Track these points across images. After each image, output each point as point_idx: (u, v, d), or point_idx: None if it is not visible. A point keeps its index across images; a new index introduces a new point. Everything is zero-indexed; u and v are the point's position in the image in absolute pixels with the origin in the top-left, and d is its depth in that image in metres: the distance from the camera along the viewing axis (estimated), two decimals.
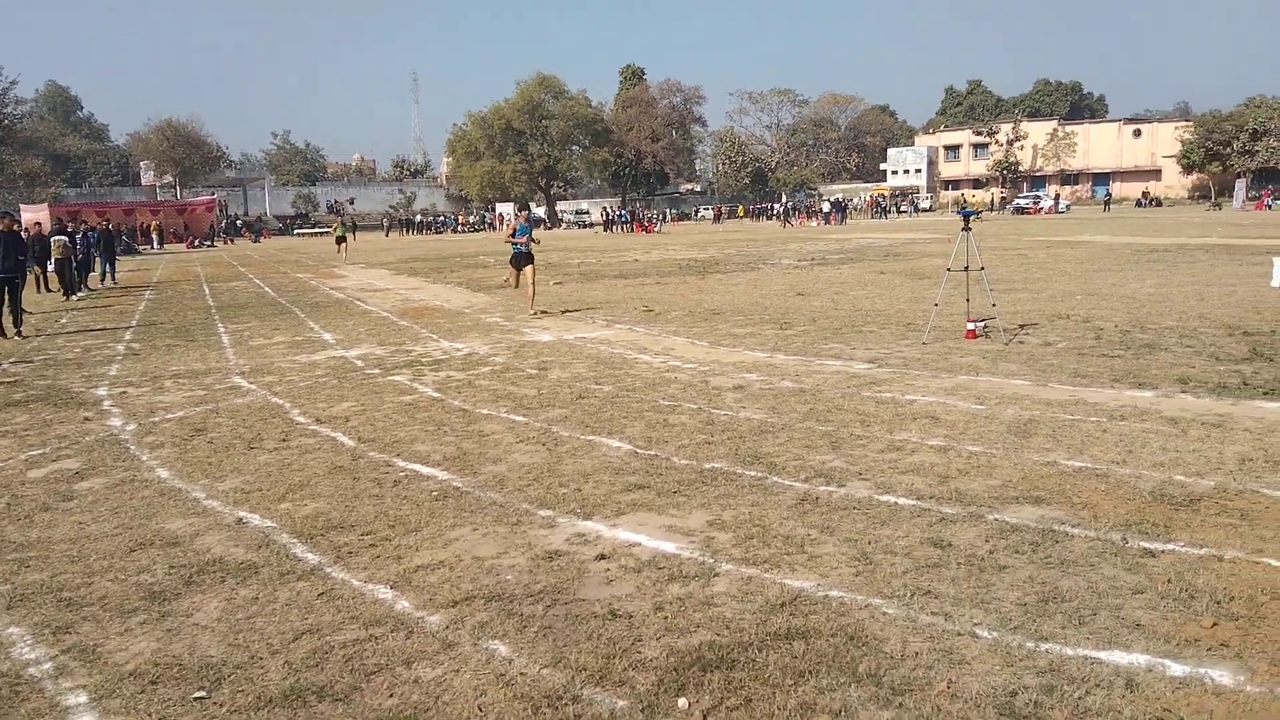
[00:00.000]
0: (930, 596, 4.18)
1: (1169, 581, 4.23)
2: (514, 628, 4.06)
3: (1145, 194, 76.63)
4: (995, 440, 6.67)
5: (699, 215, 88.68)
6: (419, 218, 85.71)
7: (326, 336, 13.84)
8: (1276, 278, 8.53)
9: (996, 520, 5.07)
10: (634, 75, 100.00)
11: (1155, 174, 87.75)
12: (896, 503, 5.42)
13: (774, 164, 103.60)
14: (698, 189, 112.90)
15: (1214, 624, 3.82)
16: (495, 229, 79.27)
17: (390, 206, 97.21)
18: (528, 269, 15.17)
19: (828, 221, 65.93)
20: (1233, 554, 4.51)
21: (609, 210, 72.76)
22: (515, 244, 15.10)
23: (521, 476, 6.22)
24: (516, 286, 15.77)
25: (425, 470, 6.46)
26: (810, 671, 3.57)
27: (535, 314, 15.17)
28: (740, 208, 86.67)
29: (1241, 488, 5.48)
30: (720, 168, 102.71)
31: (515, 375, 9.97)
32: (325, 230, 76.50)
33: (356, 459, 6.83)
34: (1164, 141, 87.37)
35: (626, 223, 68.02)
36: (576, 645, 3.87)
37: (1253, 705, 3.23)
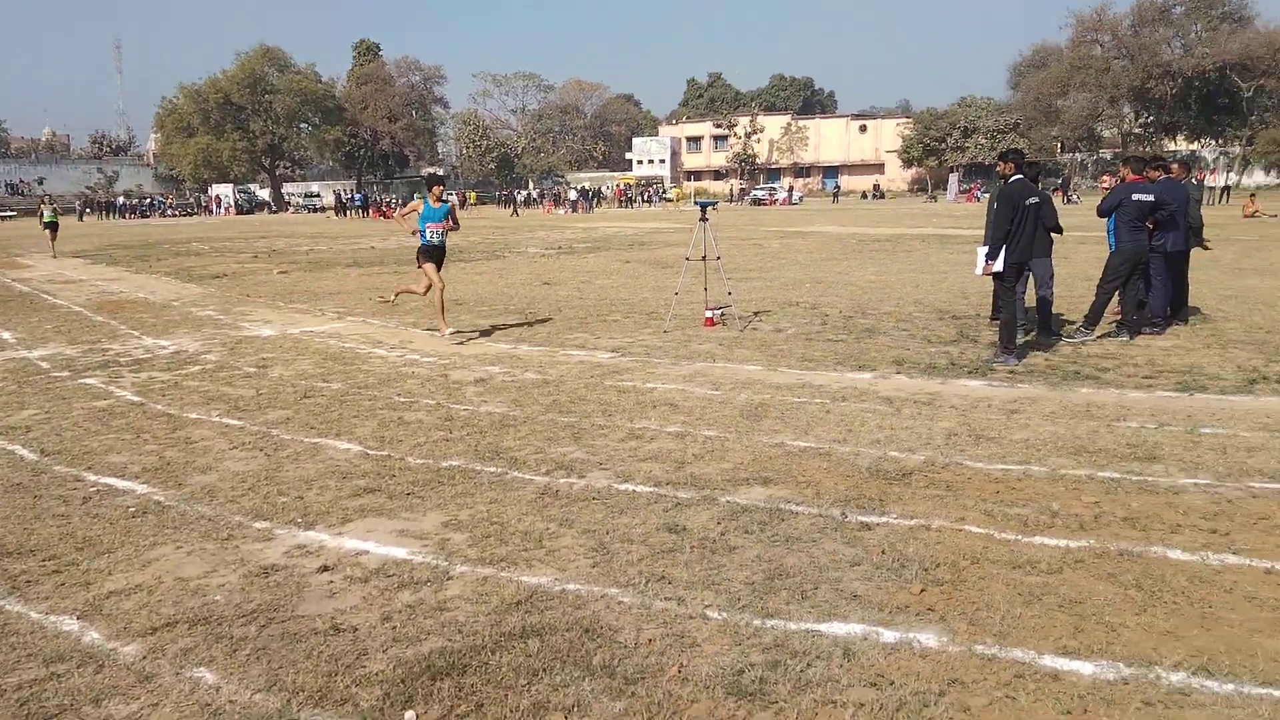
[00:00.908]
0: (664, 582, 4.32)
1: (883, 552, 4.60)
2: (223, 652, 3.80)
3: (876, 187, 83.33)
4: (729, 424, 7.01)
5: None
6: (121, 200, 78.59)
7: (4, 335, 12.40)
8: (979, 266, 9.50)
9: (728, 502, 5.32)
10: (368, 51, 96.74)
11: (880, 168, 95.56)
12: (635, 491, 5.56)
13: (520, 149, 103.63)
14: (441, 173, 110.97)
15: (922, 590, 4.19)
16: (213, 213, 74.14)
17: (87, 187, 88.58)
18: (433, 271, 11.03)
19: (575, 210, 66.80)
20: (939, 523, 4.97)
21: (342, 194, 70.01)
22: (427, 233, 10.95)
23: (235, 486, 5.84)
24: (425, 293, 11.59)
25: (121, 484, 5.93)
26: (545, 669, 3.58)
27: (451, 335, 11.18)
28: (472, 194, 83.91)
29: (948, 461, 6.05)
30: (464, 151, 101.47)
31: (230, 375, 9.37)
32: (9, 215, 68.68)
33: (38, 475, 6.16)
34: (887, 137, 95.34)
35: (362, 207, 65.72)
36: (294, 665, 3.68)
37: (953, 664, 3.57)
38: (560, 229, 38.91)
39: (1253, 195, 42.32)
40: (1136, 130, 77.79)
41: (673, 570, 4.44)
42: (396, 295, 12.66)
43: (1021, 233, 9.04)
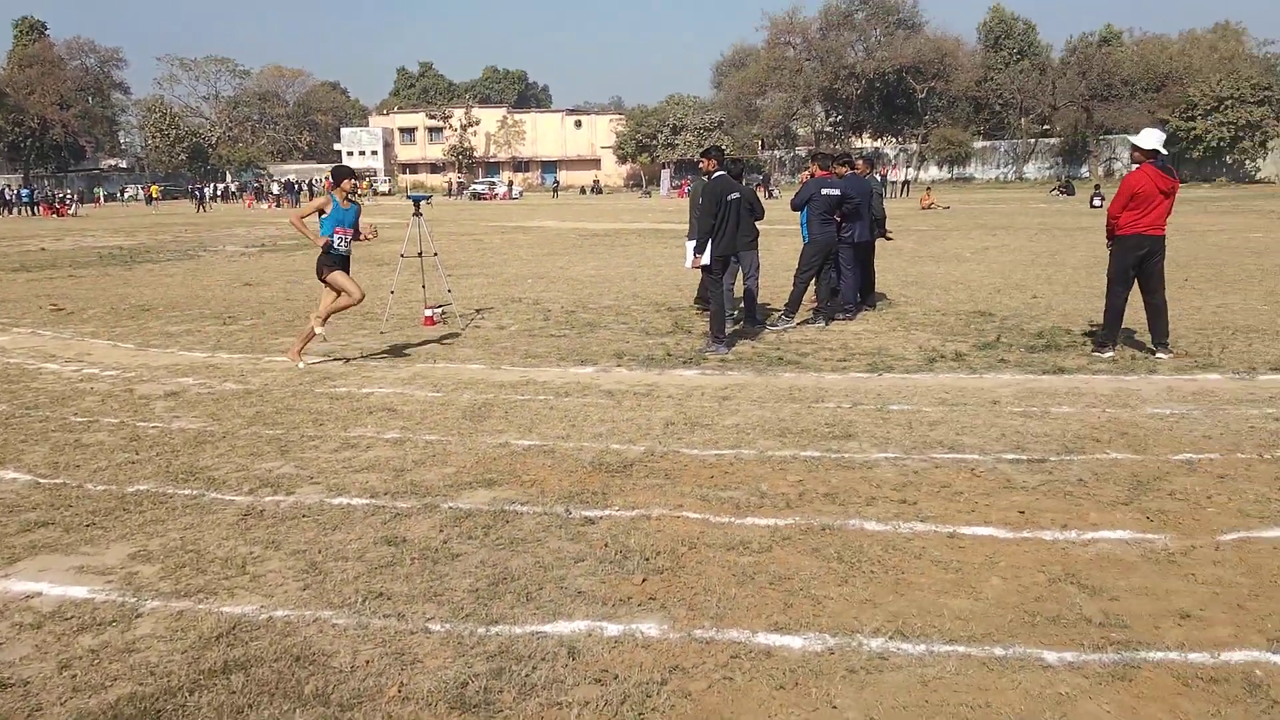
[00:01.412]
0: (383, 599, 4.16)
1: (606, 546, 4.68)
2: None
3: (595, 182, 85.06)
4: (451, 427, 6.89)
5: (126, 196, 79.79)
6: None
7: None
8: (688, 260, 9.92)
9: (451, 508, 5.22)
10: (32, 30, 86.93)
11: (596, 163, 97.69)
12: (350, 504, 5.33)
13: (215, 139, 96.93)
14: (124, 165, 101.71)
15: (644, 580, 4.30)
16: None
17: None
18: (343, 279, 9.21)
19: (279, 204, 63.35)
20: (659, 512, 5.13)
21: (6, 190, 62.51)
22: (337, 240, 9.13)
23: None
24: (360, 300, 9.37)
25: None
26: (250, 705, 3.34)
27: (299, 358, 9.42)
28: (155, 188, 75.72)
29: (666, 449, 6.26)
30: (150, 141, 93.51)
31: None
32: None
33: None
34: (602, 133, 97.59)
35: (30, 203, 59.00)
36: None
37: (674, 651, 3.69)
38: (263, 225, 36.76)
39: (929, 189, 47.10)
40: (828, 129, 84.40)
41: (392, 585, 4.29)
42: (323, 324, 9.38)
43: (726, 227, 9.51)
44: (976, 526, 4.90)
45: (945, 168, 79.34)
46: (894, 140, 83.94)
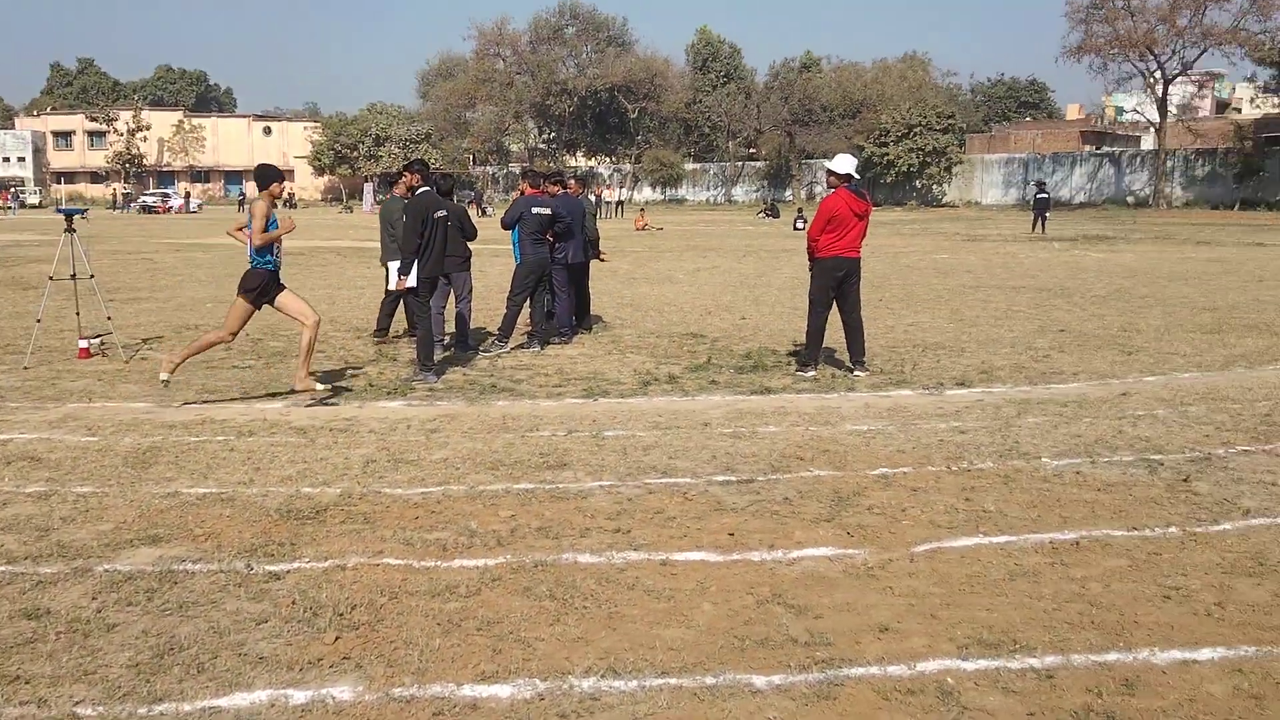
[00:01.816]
0: (20, 683, 3.70)
1: (294, 603, 4.42)
2: None
3: (290, 195, 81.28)
4: (109, 476, 6.29)
5: None
6: None
7: None
8: (392, 281, 9.69)
9: (107, 571, 4.75)
10: None
11: (289, 174, 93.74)
12: None
13: None
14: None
15: (337, 638, 4.09)
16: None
17: None
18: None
19: None
20: (356, 560, 4.92)
21: None
22: (273, 252, 8.32)
23: None
24: (233, 338, 8.68)
25: None
26: None
27: (309, 391, 8.51)
28: None
29: (365, 490, 6.04)
30: None
31: None
32: None
33: None
34: (296, 141, 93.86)
35: None
36: None
37: (370, 713, 3.52)
38: None
39: (642, 209, 48.93)
40: (541, 145, 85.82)
41: (31, 666, 3.83)
42: (180, 364, 8.48)
43: (433, 246, 9.37)
44: (689, 552, 5.07)
45: (659, 189, 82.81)
46: (608, 160, 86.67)
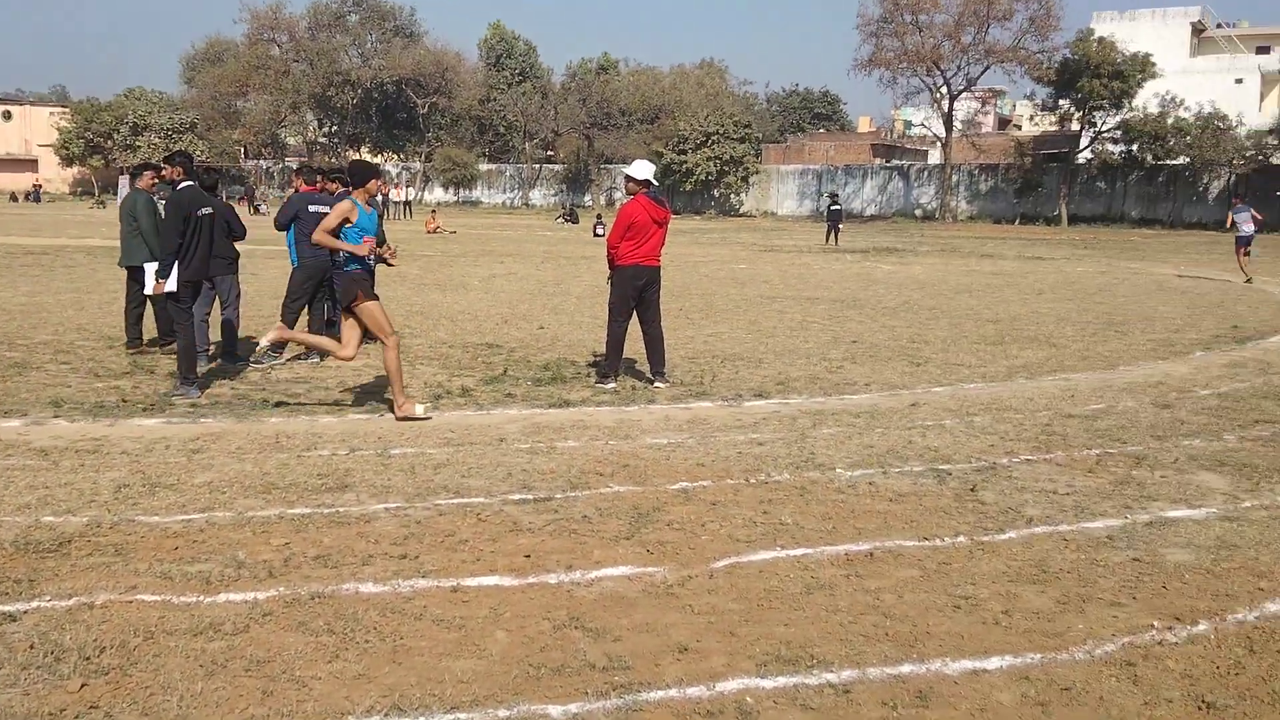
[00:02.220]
0: None
1: (32, 647, 4.08)
2: None
3: (36, 186, 75.35)
4: None
5: None
6: None
7: None
8: (149, 285, 9.15)
9: None
10: None
11: (33, 164, 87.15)
12: None
13: None
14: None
15: (83, 685, 3.80)
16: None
17: None
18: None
19: None
20: (105, 597, 4.59)
21: None
22: (362, 259, 8.20)
23: None
24: (351, 357, 8.65)
25: None
26: None
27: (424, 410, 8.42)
28: None
29: (117, 519, 5.65)
30: None
31: None
32: None
33: None
34: (40, 128, 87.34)
35: None
36: None
37: None
38: None
39: (434, 211, 48.18)
40: (321, 139, 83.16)
41: None
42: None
43: (196, 247, 8.90)
44: (481, 576, 5.00)
45: (451, 190, 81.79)
46: (396, 157, 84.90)
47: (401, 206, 57.76)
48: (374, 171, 8.47)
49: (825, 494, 6.50)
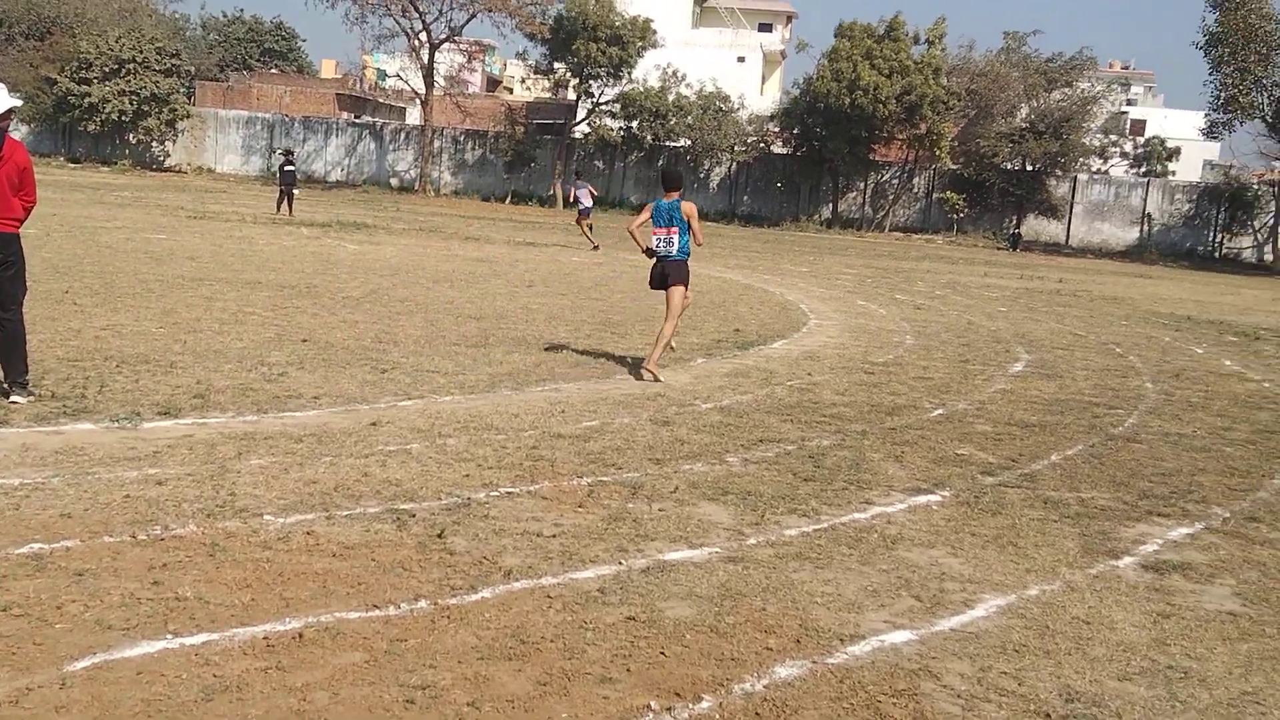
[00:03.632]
0: None
1: None
2: None
3: None
4: None
5: None
6: None
7: None
8: None
9: None
10: None
11: None
12: None
13: None
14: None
15: None
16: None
17: None
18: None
19: None
20: None
21: None
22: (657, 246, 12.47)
23: None
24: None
25: None
26: None
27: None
28: None
29: None
30: None
31: None
32: None
33: None
34: None
35: None
36: None
37: None
38: None
39: None
40: None
41: None
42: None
43: None
44: None
45: None
46: None
47: None
48: (678, 182, 12.71)
49: (245, 552, 5.91)
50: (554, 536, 6.57)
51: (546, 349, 13.52)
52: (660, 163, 56.81)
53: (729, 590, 5.94)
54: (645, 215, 12.47)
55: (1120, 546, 7.26)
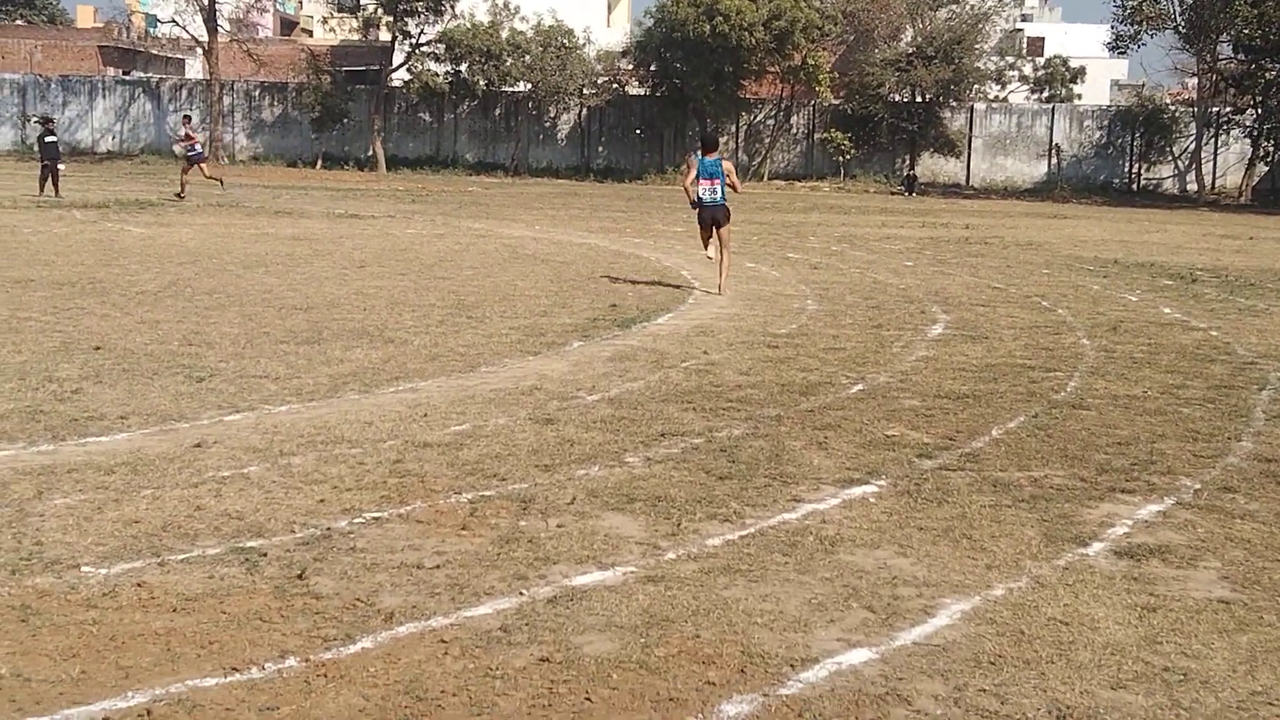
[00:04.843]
0: None
1: None
2: None
3: None
4: None
5: None
6: None
7: None
8: None
9: None
10: None
11: None
12: None
13: None
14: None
15: None
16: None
17: None
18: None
19: None
20: None
21: None
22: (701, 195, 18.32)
23: None
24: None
25: None
26: None
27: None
28: None
29: None
30: None
31: None
32: None
33: None
34: None
35: None
36: None
37: None
38: None
39: None
40: None
41: None
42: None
43: None
44: None
45: None
46: None
47: None
48: (714, 144, 18.64)
49: (66, 613, 5.68)
50: (438, 568, 6.45)
51: (389, 341, 13.32)
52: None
53: (654, 617, 5.89)
54: (693, 173, 18.30)
55: (1086, 531, 7.41)
